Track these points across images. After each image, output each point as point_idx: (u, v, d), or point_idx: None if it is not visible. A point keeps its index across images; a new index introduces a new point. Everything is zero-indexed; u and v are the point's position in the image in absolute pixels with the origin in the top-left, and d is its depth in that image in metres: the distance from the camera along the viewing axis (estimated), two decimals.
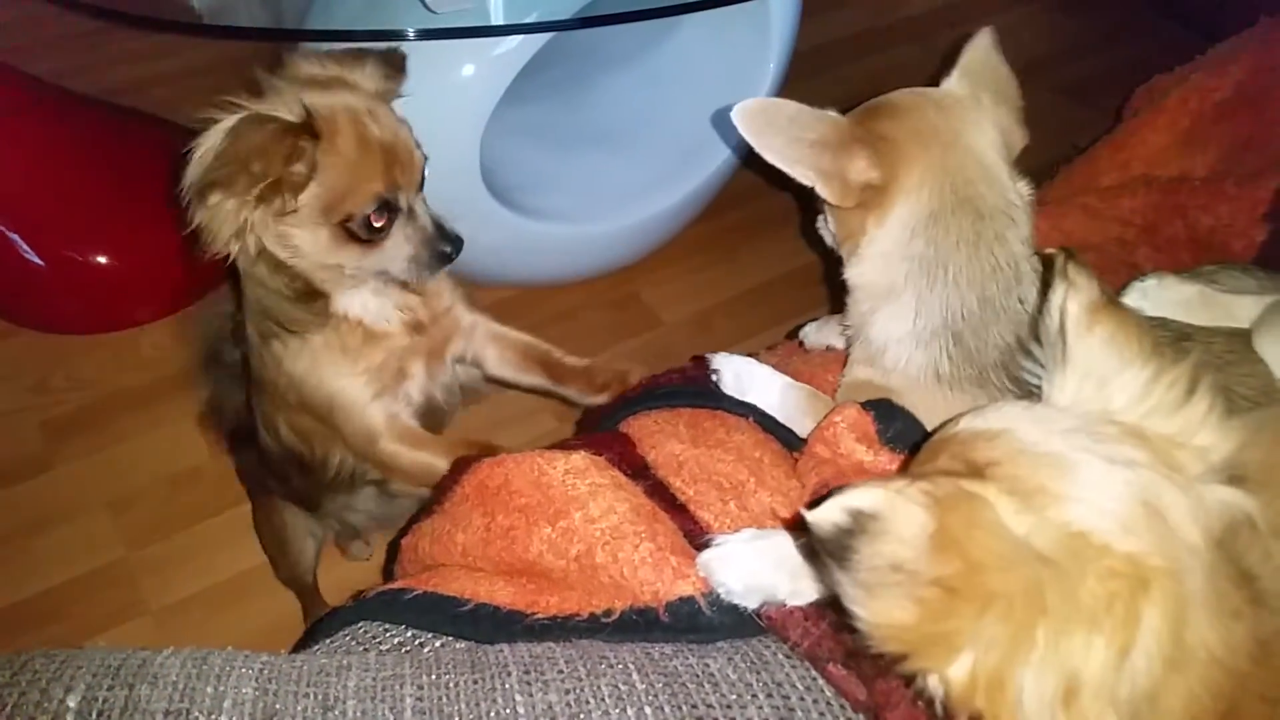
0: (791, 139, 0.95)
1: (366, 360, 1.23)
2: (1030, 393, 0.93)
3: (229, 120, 1.03)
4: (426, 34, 1.46)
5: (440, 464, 1.22)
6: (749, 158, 1.16)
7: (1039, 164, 1.74)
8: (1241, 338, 0.97)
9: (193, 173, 1.02)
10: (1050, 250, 0.73)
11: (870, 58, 2.79)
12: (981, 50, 1.04)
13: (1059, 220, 1.37)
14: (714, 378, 1.11)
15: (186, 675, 0.67)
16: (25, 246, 1.92)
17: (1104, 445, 0.60)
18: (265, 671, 0.70)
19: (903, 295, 0.97)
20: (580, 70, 2.19)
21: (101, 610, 1.66)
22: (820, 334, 1.25)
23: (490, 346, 1.39)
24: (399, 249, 1.15)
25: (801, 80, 2.09)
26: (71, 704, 0.62)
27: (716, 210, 2.19)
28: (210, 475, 1.82)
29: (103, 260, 1.99)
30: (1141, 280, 1.08)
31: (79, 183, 1.97)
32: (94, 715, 0.62)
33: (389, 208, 1.12)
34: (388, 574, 1.31)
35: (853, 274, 1.03)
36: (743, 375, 1.10)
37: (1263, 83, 1.42)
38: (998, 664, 0.54)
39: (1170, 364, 0.64)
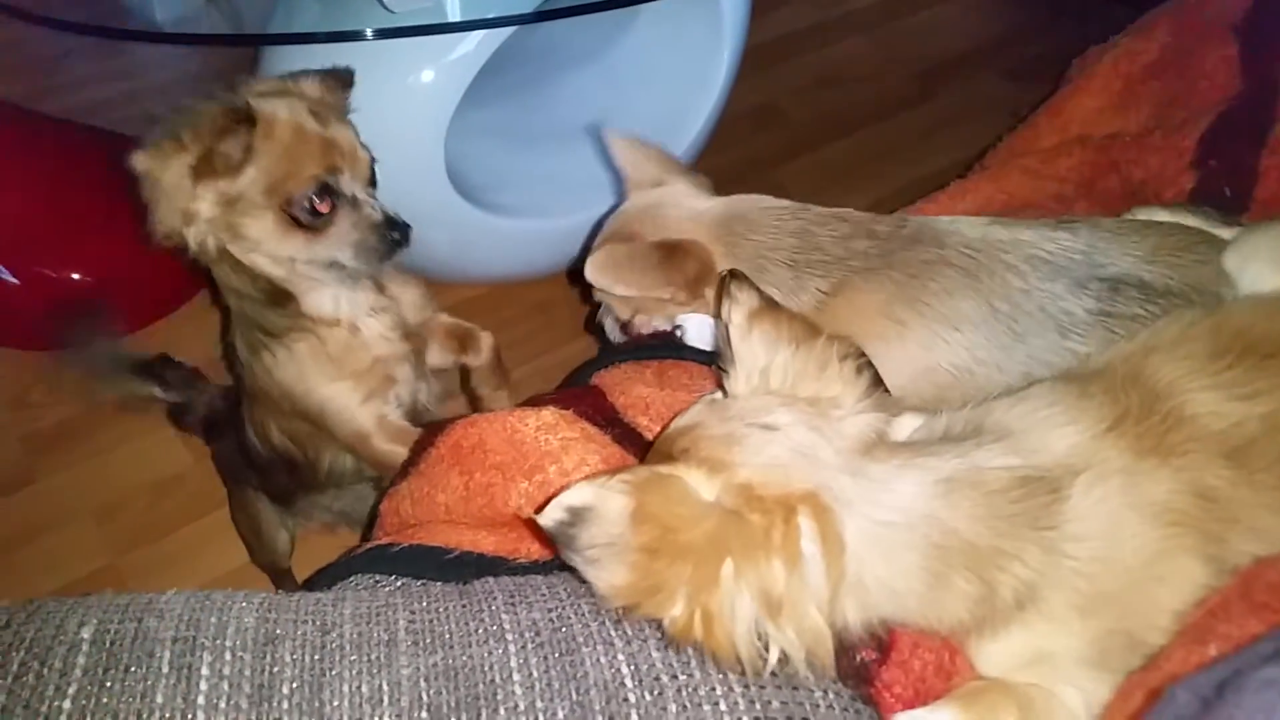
0: (639, 274, 1.14)
1: (353, 365, 1.25)
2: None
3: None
4: (385, 33, 1.49)
5: None
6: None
7: (987, 145, 1.81)
8: (1187, 233, 1.11)
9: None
10: (722, 270, 0.93)
11: (820, 50, 2.85)
12: (628, 150, 1.28)
13: (1001, 182, 1.43)
14: (678, 333, 1.18)
15: (191, 609, 0.71)
16: (0, 266, 1.94)
17: (762, 417, 0.77)
18: (265, 604, 0.74)
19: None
20: (539, 72, 2.24)
21: None
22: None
23: (433, 337, 1.42)
24: (345, 236, 1.17)
25: (755, 73, 2.15)
26: (85, 635, 0.66)
27: None
28: (193, 481, 1.84)
29: (77, 276, 2.02)
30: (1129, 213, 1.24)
31: (51, 201, 2.00)
32: (107, 644, 0.66)
33: (330, 193, 1.14)
34: (366, 538, 1.33)
35: None
36: (704, 328, 1.16)
37: (1185, 43, 1.49)
38: (702, 600, 0.69)
39: (808, 345, 0.82)
